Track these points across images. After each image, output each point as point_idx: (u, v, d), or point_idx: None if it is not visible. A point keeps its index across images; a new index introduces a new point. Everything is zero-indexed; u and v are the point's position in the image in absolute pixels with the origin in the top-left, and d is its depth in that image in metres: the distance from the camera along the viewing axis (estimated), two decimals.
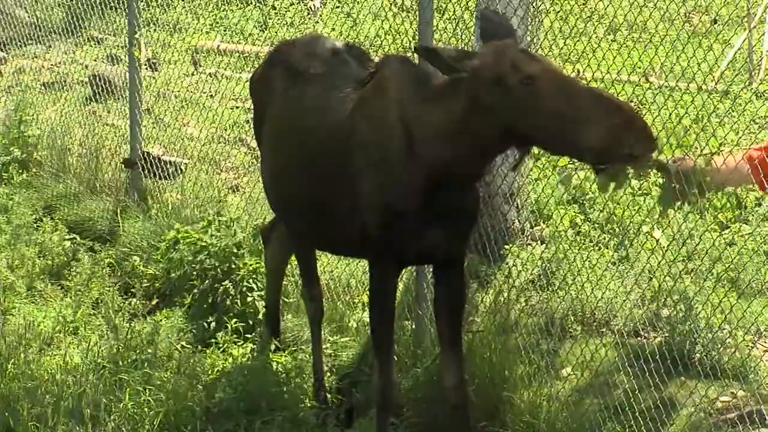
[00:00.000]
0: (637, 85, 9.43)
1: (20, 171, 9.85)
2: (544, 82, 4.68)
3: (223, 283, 7.05)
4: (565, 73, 4.75)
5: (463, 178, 5.15)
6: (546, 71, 4.72)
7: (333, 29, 10.96)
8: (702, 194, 4.83)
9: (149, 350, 6.47)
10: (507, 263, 7.30)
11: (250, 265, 7.08)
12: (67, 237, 8.41)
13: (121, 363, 6.26)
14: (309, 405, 6.13)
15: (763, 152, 5.20)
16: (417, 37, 6.52)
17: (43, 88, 11.47)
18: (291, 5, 13.27)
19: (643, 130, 4.56)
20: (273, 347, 6.56)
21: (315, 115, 5.59)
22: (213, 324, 6.98)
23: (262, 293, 6.93)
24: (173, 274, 7.36)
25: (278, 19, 12.69)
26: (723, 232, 7.77)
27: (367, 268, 5.52)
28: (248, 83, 6.44)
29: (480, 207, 5.53)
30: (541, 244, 7.58)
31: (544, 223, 7.98)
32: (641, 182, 8.01)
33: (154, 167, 9.00)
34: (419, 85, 5.15)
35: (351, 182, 5.29)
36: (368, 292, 5.54)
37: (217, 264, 7.12)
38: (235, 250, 7.14)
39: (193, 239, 7.29)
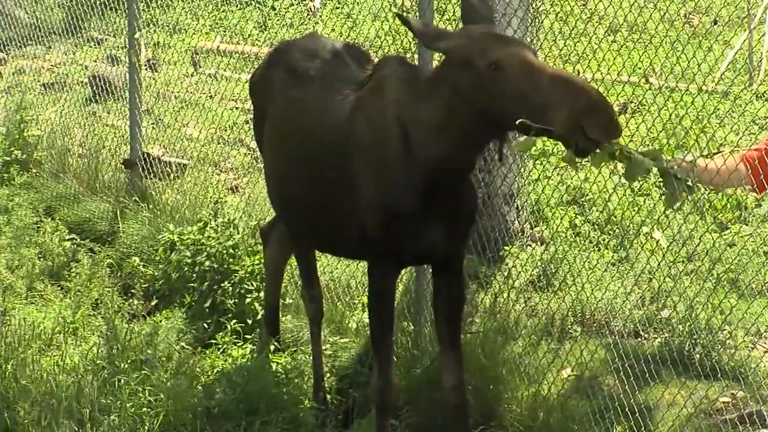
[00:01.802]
0: (637, 86, 9.43)
1: (20, 172, 9.85)
2: (510, 66, 4.68)
3: (222, 285, 7.05)
4: (535, 57, 4.74)
5: (457, 173, 5.14)
6: (513, 56, 4.70)
7: (333, 30, 10.96)
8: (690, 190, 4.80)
9: (149, 351, 6.46)
10: (506, 264, 7.30)
11: (248, 266, 7.08)
12: (67, 238, 8.40)
13: (120, 364, 6.25)
14: (308, 406, 6.13)
15: (761, 152, 5.19)
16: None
17: (43, 88, 11.47)
18: (291, 6, 13.28)
19: (606, 117, 4.55)
20: (273, 348, 6.55)
21: (314, 116, 5.58)
22: (212, 325, 6.98)
23: (261, 294, 6.93)
24: (172, 275, 7.37)
25: (278, 20, 12.69)
26: (723, 233, 7.77)
27: (367, 270, 5.52)
28: (248, 84, 6.44)
29: (478, 206, 5.54)
30: (541, 245, 7.58)
31: (543, 224, 7.98)
32: (641, 183, 8.01)
33: (154, 168, 9.00)
34: (415, 84, 5.15)
35: (350, 183, 5.29)
36: (368, 293, 5.54)
37: (216, 266, 7.13)
38: (232, 251, 7.14)
39: (190, 240, 7.29)
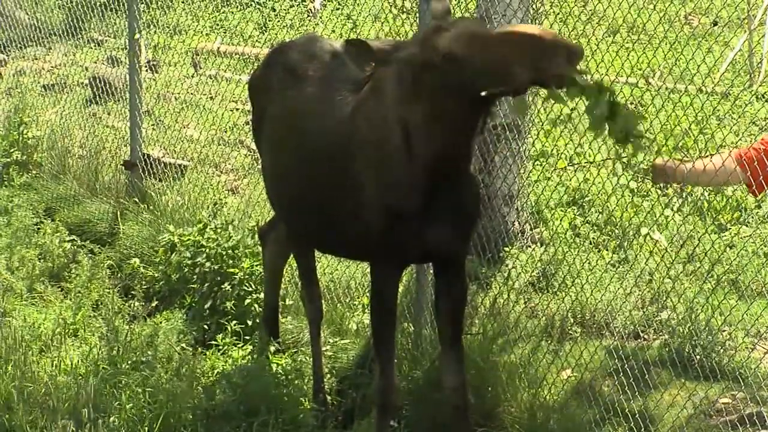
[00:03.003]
0: (637, 87, 9.43)
1: (20, 173, 9.86)
2: (461, 50, 4.76)
3: (222, 286, 7.06)
4: (479, 27, 4.83)
5: (454, 166, 5.14)
6: (459, 39, 4.79)
7: (333, 31, 10.96)
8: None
9: (149, 352, 6.47)
10: (506, 265, 7.30)
11: (248, 267, 7.08)
12: (67, 239, 8.40)
13: (120, 365, 6.25)
14: (308, 407, 6.13)
15: (759, 153, 5.18)
16: None
17: (43, 90, 11.47)
18: (291, 7, 13.28)
19: (557, 49, 4.58)
20: (273, 349, 6.56)
21: (315, 117, 5.59)
22: (212, 326, 6.98)
23: (261, 295, 6.93)
24: (172, 277, 7.37)
25: (278, 21, 12.70)
26: (722, 234, 7.78)
27: (368, 270, 5.52)
28: (247, 85, 6.45)
29: (480, 206, 5.54)
30: (541, 246, 7.58)
31: (543, 225, 7.98)
32: (639, 184, 8.02)
33: (155, 169, 9.00)
34: (418, 84, 5.15)
35: (352, 183, 5.30)
36: (369, 294, 5.54)
37: (216, 267, 7.13)
38: (232, 253, 7.14)
39: (190, 242, 7.30)
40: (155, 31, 11.00)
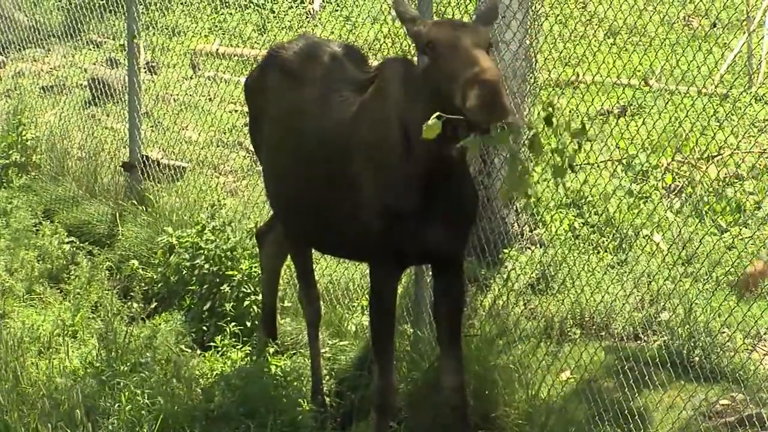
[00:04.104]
0: (636, 89, 9.42)
1: (19, 174, 9.85)
2: (440, 46, 4.83)
3: (221, 288, 7.05)
4: (474, 41, 4.81)
5: (452, 166, 5.13)
6: (444, 37, 4.84)
7: (332, 33, 10.95)
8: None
9: (148, 354, 6.46)
10: (506, 267, 7.29)
11: (246, 269, 7.07)
12: (66, 240, 8.40)
13: (119, 366, 6.24)
14: (307, 408, 6.12)
15: None
16: None
17: (42, 91, 11.46)
18: (290, 9, 13.27)
19: (487, 92, 4.58)
20: (271, 350, 6.55)
21: (313, 118, 5.59)
22: (211, 328, 6.98)
23: (260, 297, 6.92)
24: (171, 278, 7.36)
25: (277, 23, 12.68)
26: (722, 236, 7.76)
27: (367, 272, 5.52)
28: (243, 87, 6.44)
29: (478, 207, 5.54)
30: (540, 248, 7.57)
31: (542, 226, 7.97)
32: (640, 185, 8.01)
33: (153, 171, 9.00)
34: (414, 84, 5.17)
35: (350, 184, 5.30)
36: (369, 295, 5.54)
37: (214, 269, 7.12)
38: (230, 254, 7.14)
39: (189, 243, 7.29)
40: (154, 33, 10.99)
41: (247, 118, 6.35)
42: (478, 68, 4.61)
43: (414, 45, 5.12)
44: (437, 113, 4.60)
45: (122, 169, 9.17)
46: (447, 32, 4.86)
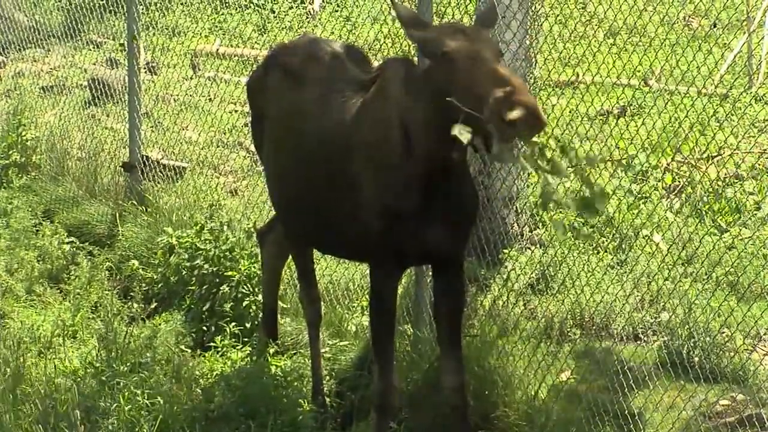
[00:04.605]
0: (636, 89, 9.42)
1: (19, 175, 9.85)
2: (457, 58, 4.82)
3: (220, 288, 7.05)
4: (489, 53, 4.82)
5: (452, 166, 5.13)
6: (461, 48, 4.82)
7: (332, 33, 10.95)
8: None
9: (147, 354, 6.47)
10: (506, 267, 7.29)
11: (245, 269, 7.07)
12: (66, 241, 8.40)
13: (119, 367, 6.24)
14: (307, 409, 6.12)
15: None
16: None
17: (42, 91, 11.46)
18: (290, 9, 13.27)
19: (526, 104, 4.57)
20: (272, 351, 6.55)
21: (315, 118, 5.59)
22: (211, 328, 6.98)
23: (259, 297, 6.92)
24: (171, 279, 7.37)
25: (277, 23, 12.69)
26: (722, 236, 7.76)
27: (367, 272, 5.52)
28: (245, 87, 6.44)
29: (478, 207, 5.54)
30: (540, 248, 7.57)
31: (542, 227, 7.97)
32: (640, 186, 8.01)
33: (153, 171, 9.00)
34: (415, 84, 5.17)
35: (351, 184, 5.30)
36: (369, 295, 5.54)
37: (214, 269, 7.12)
38: (229, 255, 7.14)
39: (188, 244, 7.29)
40: (154, 33, 10.99)
41: (248, 118, 6.37)
42: (511, 88, 4.59)
43: (416, 48, 5.11)
44: (460, 120, 4.64)
45: (122, 169, 9.17)
46: (465, 44, 4.83)
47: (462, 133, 4.71)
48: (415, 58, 6.06)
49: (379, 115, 5.27)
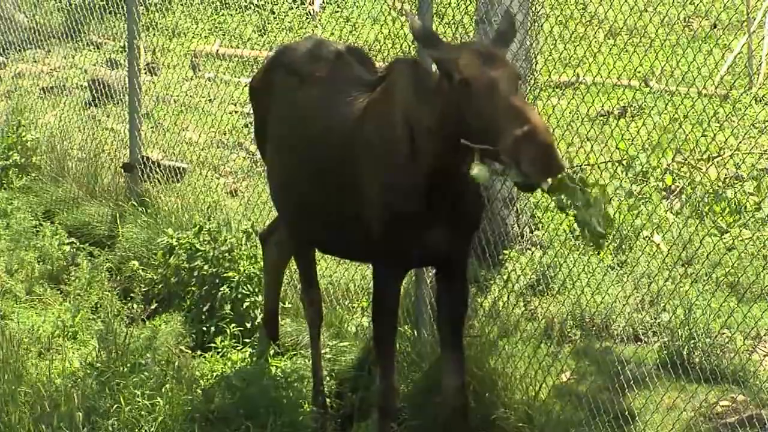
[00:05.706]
0: (637, 90, 9.42)
1: (19, 175, 9.84)
2: (476, 87, 4.75)
3: (220, 289, 7.05)
4: (510, 83, 4.76)
5: (457, 169, 5.12)
6: (482, 77, 4.75)
7: (332, 34, 10.95)
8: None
9: (148, 355, 6.46)
10: (506, 268, 7.29)
11: (244, 270, 7.07)
12: (66, 241, 8.40)
13: (119, 367, 6.24)
14: (308, 409, 6.12)
15: None
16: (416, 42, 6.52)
17: (42, 92, 11.46)
18: (290, 9, 13.27)
19: (542, 152, 4.56)
20: (272, 351, 6.55)
21: (319, 118, 5.59)
22: (212, 329, 6.97)
23: (259, 298, 6.93)
24: (171, 279, 7.37)
25: (277, 24, 12.68)
26: (722, 237, 7.76)
27: (367, 273, 5.52)
28: (248, 88, 6.44)
29: (483, 210, 5.55)
30: (540, 249, 7.57)
31: (543, 227, 7.97)
32: (641, 186, 8.01)
33: (154, 172, 9.00)
34: (422, 86, 5.16)
35: (356, 185, 5.30)
36: (371, 296, 5.54)
37: (213, 270, 7.12)
38: (228, 255, 7.14)
39: (187, 245, 7.29)
40: (154, 34, 10.99)
41: (248, 119, 6.36)
42: (529, 127, 4.55)
43: (436, 66, 5.05)
44: (478, 156, 4.68)
45: (122, 170, 9.17)
46: (483, 72, 4.76)
47: (481, 172, 4.73)
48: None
49: (385, 116, 5.26)
